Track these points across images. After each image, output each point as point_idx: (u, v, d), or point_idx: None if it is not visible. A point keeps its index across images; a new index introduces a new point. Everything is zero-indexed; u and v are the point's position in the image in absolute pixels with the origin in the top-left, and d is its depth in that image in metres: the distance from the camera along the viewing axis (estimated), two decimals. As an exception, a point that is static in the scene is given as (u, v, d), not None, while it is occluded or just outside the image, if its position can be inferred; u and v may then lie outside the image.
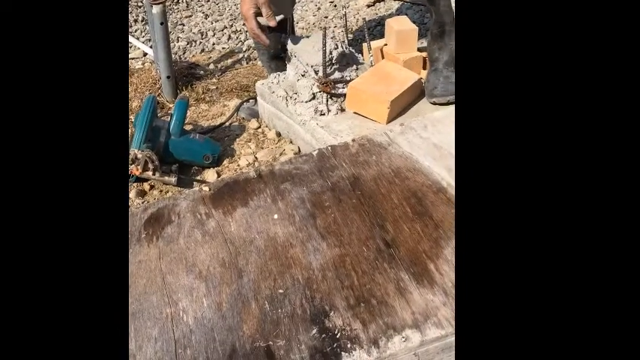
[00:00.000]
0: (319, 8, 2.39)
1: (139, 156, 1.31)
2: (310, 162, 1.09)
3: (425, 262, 0.83)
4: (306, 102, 1.38)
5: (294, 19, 2.30)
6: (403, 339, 0.73)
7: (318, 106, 1.36)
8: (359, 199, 0.97)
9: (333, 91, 1.36)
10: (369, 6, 2.35)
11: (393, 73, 1.35)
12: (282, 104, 1.43)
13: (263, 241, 0.92)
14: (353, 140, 1.13)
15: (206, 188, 1.07)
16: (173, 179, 1.34)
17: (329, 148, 1.12)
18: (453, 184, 0.96)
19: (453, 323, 0.74)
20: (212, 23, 2.27)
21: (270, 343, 0.75)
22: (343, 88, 1.37)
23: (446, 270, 0.81)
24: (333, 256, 0.87)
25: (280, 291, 0.82)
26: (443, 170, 1.00)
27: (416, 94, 1.37)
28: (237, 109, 1.64)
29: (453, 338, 0.74)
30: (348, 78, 1.39)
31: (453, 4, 1.41)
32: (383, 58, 1.46)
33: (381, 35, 1.56)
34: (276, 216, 0.96)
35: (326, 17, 2.31)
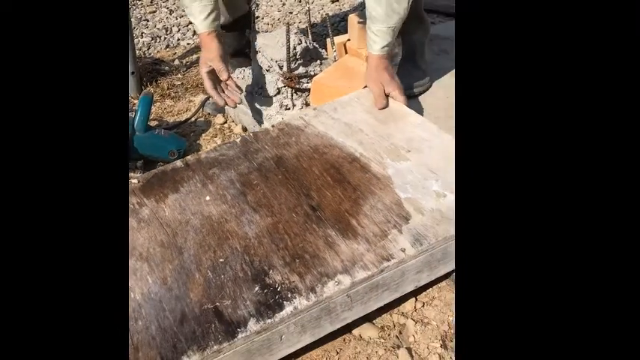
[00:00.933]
0: (284, 4, 2.42)
1: None
2: (235, 148, 1.16)
3: (348, 219, 0.94)
4: (272, 97, 1.41)
5: (260, 15, 2.30)
6: (336, 283, 0.83)
7: (283, 101, 1.40)
8: (284, 175, 1.06)
9: (297, 86, 1.39)
10: (333, 1, 2.41)
11: (355, 67, 1.38)
12: (247, 99, 1.46)
13: (198, 221, 0.97)
14: (272, 126, 1.22)
15: (134, 181, 1.10)
16: (138, 175, 1.33)
17: (250, 134, 1.20)
18: (365, 153, 1.09)
19: (377, 265, 0.86)
20: (177, 19, 2.25)
21: (218, 304, 0.82)
22: (307, 83, 1.40)
23: (366, 223, 0.93)
24: (266, 224, 0.95)
25: (221, 260, 0.89)
26: (355, 143, 1.12)
27: None
28: (203, 104, 1.64)
29: (379, 277, 0.86)
30: (312, 73, 1.42)
31: None
32: (346, 53, 1.50)
33: (345, 31, 1.60)
34: (208, 198, 1.03)
35: (291, 13, 2.35)
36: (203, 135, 1.57)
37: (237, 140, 1.18)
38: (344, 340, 0.93)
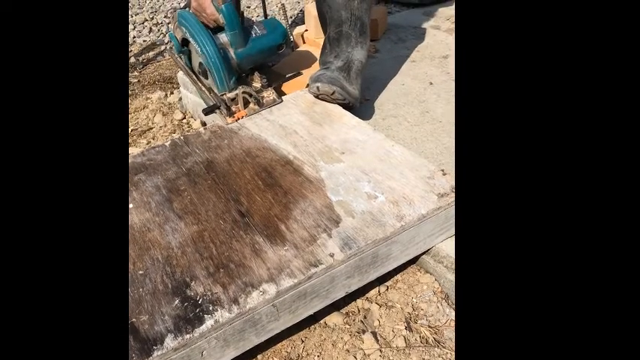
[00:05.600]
0: (242, -4, 2.43)
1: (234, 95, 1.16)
2: (163, 152, 1.11)
3: (277, 224, 0.90)
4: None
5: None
6: (261, 293, 0.79)
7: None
8: (214, 180, 1.02)
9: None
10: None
11: (312, 57, 1.37)
12: (206, 93, 1.41)
13: (119, 231, 0.92)
14: (205, 128, 1.17)
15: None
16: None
17: (181, 137, 1.15)
18: (299, 156, 1.06)
19: (305, 272, 0.82)
20: (132, 17, 2.20)
21: (134, 320, 0.77)
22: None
23: (295, 228, 0.89)
24: (191, 233, 0.90)
25: (140, 272, 0.84)
26: (289, 146, 1.09)
27: None
28: None
29: (306, 285, 0.83)
30: (269, 63, 1.38)
31: None
32: (304, 43, 1.50)
33: (302, 22, 1.61)
34: (131, 205, 0.97)
35: (249, 7, 2.33)
36: (161, 131, 1.51)
37: (167, 144, 1.13)
38: (309, 328, 0.91)
